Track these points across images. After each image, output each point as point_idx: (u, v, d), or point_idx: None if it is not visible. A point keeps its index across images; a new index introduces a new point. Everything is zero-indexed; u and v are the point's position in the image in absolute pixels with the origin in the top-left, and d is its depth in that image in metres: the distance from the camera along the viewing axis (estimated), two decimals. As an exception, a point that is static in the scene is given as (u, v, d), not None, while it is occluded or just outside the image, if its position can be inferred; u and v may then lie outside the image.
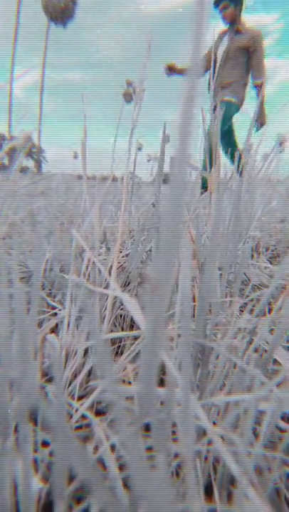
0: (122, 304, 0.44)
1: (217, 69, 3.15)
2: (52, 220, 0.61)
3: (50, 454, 0.25)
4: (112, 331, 0.44)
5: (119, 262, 0.49)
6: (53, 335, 0.43)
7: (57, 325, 0.46)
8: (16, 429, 0.22)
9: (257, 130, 3.01)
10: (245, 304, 0.49)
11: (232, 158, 3.15)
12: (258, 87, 2.94)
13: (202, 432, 0.21)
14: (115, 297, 0.41)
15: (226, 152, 3.11)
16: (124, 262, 0.52)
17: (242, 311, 0.48)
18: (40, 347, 0.39)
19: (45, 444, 0.27)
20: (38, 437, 0.26)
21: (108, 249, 0.51)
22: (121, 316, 0.46)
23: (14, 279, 0.22)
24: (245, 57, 2.94)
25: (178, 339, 0.30)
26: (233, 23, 2.88)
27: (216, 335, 0.34)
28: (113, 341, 0.43)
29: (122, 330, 0.45)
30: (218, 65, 2.97)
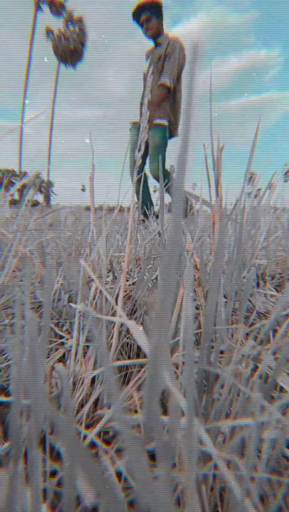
0: (128, 333, 0.45)
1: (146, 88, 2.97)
2: (60, 251, 0.63)
3: (58, 484, 0.25)
4: (118, 359, 0.44)
5: (125, 291, 0.50)
6: (60, 364, 0.43)
7: (64, 354, 0.46)
8: (25, 457, 0.23)
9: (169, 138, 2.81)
10: (251, 331, 0.49)
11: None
12: (161, 87, 2.63)
13: (207, 458, 0.21)
14: (122, 325, 0.42)
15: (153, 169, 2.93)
16: (131, 291, 0.54)
17: (248, 338, 0.48)
18: (48, 376, 0.39)
19: (52, 474, 0.27)
20: (47, 467, 0.27)
21: (115, 277, 0.53)
22: (128, 344, 0.47)
23: (26, 310, 0.24)
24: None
25: (182, 366, 0.31)
26: (158, 36, 2.63)
27: (220, 362, 0.35)
28: (120, 369, 0.44)
29: (129, 358, 0.46)
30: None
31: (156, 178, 2.70)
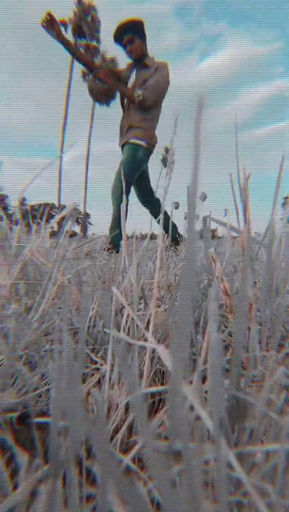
0: (160, 360, 0.45)
1: (125, 109, 2.66)
2: (95, 279, 0.66)
3: (93, 509, 0.26)
4: (151, 386, 0.45)
5: (157, 317, 0.51)
6: (96, 389, 0.45)
7: (100, 379, 0.48)
8: (63, 480, 0.24)
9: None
10: (284, 357, 0.48)
11: (151, 206, 2.76)
12: (140, 110, 2.51)
13: (238, 484, 0.21)
14: (154, 352, 0.43)
15: (144, 202, 2.79)
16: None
17: (281, 365, 0.47)
18: (85, 401, 0.41)
19: (88, 498, 0.28)
20: (83, 491, 0.27)
21: (146, 304, 0.54)
22: (160, 371, 0.47)
23: (64, 336, 0.26)
24: None
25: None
26: (142, 58, 2.50)
27: (251, 388, 0.34)
28: (153, 395, 0.44)
29: (162, 384, 0.46)
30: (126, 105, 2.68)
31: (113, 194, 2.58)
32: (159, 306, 0.55)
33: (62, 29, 2.38)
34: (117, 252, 2.32)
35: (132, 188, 2.73)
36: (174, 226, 2.74)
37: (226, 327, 0.57)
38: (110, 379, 0.43)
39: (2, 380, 0.45)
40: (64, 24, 24.65)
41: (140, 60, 2.53)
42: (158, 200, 2.82)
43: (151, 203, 2.81)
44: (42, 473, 0.27)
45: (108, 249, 2.26)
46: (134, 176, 2.60)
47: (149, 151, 2.63)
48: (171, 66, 2.62)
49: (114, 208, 2.55)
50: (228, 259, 0.59)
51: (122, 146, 2.68)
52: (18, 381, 0.46)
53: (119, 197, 2.52)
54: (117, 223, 2.57)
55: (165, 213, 2.63)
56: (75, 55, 2.51)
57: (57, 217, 0.71)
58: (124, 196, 0.66)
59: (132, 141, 2.56)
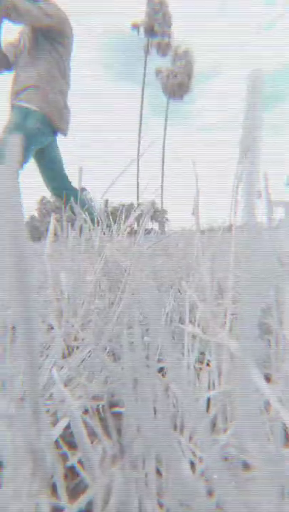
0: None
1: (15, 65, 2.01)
2: (171, 274, 0.67)
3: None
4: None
5: (233, 313, 0.50)
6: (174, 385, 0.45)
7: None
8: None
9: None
10: None
11: (65, 194, 2.06)
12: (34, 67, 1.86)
13: None
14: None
15: (54, 188, 2.16)
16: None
17: None
18: (164, 395, 0.42)
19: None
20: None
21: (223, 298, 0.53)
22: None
23: (137, 331, 0.26)
24: (47, 43, 1.92)
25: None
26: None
27: None
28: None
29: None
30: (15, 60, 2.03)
31: None
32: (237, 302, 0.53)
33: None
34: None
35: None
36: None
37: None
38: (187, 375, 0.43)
39: (90, 370, 0.49)
40: (136, 27, 25.28)
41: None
42: (76, 191, 2.13)
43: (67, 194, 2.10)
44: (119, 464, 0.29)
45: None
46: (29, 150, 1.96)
47: (46, 120, 1.98)
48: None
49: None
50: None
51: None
52: (104, 371, 0.50)
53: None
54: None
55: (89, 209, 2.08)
56: None
57: (133, 215, 0.74)
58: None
59: (19, 104, 1.92)
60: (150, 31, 25.12)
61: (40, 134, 1.99)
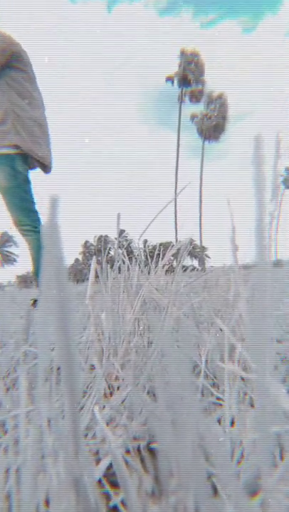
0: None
1: None
2: (210, 312, 0.66)
3: None
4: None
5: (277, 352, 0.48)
6: (217, 425, 0.44)
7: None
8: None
9: None
10: None
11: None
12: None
13: None
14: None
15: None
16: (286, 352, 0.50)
17: None
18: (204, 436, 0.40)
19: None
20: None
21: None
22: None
23: (184, 371, 0.26)
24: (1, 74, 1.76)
25: None
26: None
27: None
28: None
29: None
30: None
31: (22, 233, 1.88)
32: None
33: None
34: None
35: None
36: None
37: None
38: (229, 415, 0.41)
39: (130, 410, 0.49)
40: (170, 79, 27.16)
41: None
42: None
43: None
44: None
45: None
46: (25, 197, 1.86)
47: (27, 156, 1.87)
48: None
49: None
50: None
51: None
52: (144, 411, 0.49)
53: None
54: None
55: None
56: None
57: (170, 252, 0.76)
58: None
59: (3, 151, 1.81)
60: (183, 81, 26.82)
61: (27, 173, 1.90)
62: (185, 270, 1.01)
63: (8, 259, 40.41)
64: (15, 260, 40.48)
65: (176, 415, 0.25)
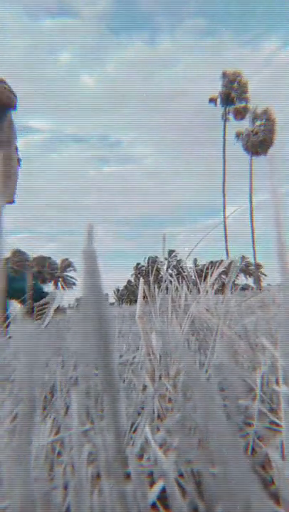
0: None
1: None
2: (264, 333, 0.63)
3: None
4: None
5: None
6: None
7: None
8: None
9: None
10: None
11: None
12: None
13: None
14: None
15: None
16: None
17: None
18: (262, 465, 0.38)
19: None
20: None
21: None
22: None
23: (232, 395, 0.26)
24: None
25: None
26: None
27: None
28: None
29: None
30: None
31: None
32: None
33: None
34: None
35: None
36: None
37: None
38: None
39: (183, 432, 0.48)
40: (213, 100, 27.45)
41: None
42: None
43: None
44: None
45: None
46: None
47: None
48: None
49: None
50: None
51: None
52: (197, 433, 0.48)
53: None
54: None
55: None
56: None
57: (218, 271, 0.75)
58: None
59: None
60: (226, 100, 26.94)
61: None
62: (236, 289, 0.99)
63: (69, 283, 42.70)
64: (74, 284, 42.60)
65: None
